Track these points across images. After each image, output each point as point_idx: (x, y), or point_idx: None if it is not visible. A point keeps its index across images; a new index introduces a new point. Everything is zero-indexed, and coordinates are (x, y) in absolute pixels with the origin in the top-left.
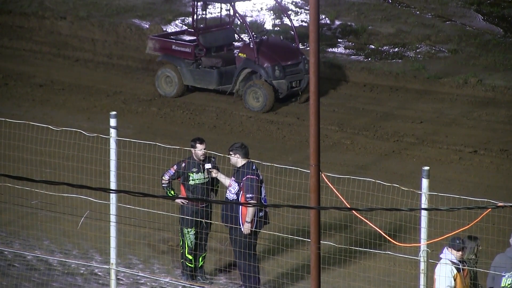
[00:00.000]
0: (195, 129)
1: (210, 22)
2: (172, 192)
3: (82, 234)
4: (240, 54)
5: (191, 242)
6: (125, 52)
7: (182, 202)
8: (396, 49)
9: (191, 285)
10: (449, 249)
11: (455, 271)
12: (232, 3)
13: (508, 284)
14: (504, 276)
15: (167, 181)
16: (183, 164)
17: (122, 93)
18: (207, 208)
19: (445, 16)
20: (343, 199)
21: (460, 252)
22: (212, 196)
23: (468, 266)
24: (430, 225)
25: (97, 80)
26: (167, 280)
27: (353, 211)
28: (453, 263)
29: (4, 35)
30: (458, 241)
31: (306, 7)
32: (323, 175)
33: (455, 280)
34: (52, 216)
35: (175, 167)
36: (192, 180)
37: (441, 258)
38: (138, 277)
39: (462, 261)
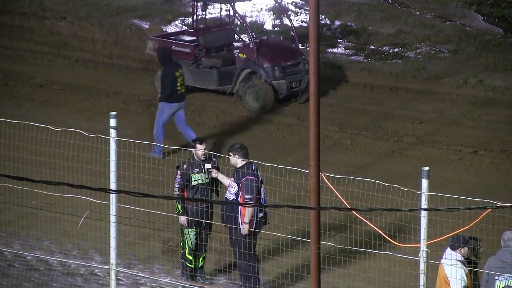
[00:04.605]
0: (195, 129)
1: (210, 22)
2: (180, 207)
3: (82, 235)
4: (240, 54)
5: (191, 242)
6: (125, 52)
7: (184, 223)
8: (396, 50)
9: (191, 285)
10: (457, 249)
11: (466, 270)
12: (232, 4)
13: (502, 287)
14: (498, 279)
15: (178, 188)
16: (185, 166)
17: (122, 93)
18: (207, 208)
19: (445, 16)
20: (343, 200)
21: (466, 249)
22: (213, 197)
23: (468, 267)
24: (430, 225)
25: (97, 80)
26: (167, 280)
27: (353, 211)
28: (461, 262)
29: (4, 35)
30: (461, 239)
31: (306, 7)
32: (323, 175)
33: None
34: (52, 216)
35: (178, 172)
36: (194, 180)
37: (445, 259)
38: (138, 278)
39: (466, 259)
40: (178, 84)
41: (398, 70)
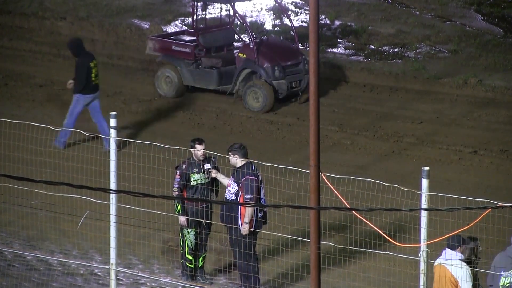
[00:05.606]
0: (195, 130)
1: (210, 22)
2: (179, 207)
3: (82, 234)
4: (240, 54)
5: (191, 242)
6: (125, 52)
7: (184, 223)
8: (396, 50)
9: (191, 285)
10: (457, 249)
11: (470, 269)
12: (232, 4)
13: (507, 283)
14: (503, 274)
15: (177, 188)
16: (184, 166)
17: (122, 93)
18: (207, 208)
19: (445, 16)
20: (343, 200)
21: (464, 248)
22: (213, 197)
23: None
24: (430, 225)
25: None
26: (167, 280)
27: (353, 211)
28: (464, 261)
29: (4, 35)
30: (458, 238)
31: (306, 7)
32: (323, 175)
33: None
34: (52, 216)
35: (178, 172)
36: (194, 180)
37: (448, 260)
38: (138, 277)
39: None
40: (93, 74)
41: (398, 70)
